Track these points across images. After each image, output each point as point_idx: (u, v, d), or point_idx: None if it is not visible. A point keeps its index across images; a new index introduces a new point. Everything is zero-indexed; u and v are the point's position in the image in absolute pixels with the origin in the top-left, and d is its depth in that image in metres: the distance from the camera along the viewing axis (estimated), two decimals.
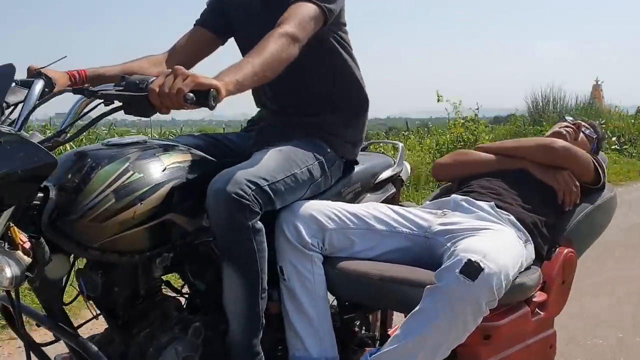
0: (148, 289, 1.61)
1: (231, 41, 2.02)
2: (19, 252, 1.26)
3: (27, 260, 1.27)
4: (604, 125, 10.73)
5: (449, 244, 1.59)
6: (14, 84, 1.57)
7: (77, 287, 1.56)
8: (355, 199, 2.02)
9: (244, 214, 1.51)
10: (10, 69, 1.38)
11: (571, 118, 2.37)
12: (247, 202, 1.51)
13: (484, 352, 1.60)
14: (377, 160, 2.19)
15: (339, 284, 1.72)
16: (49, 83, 1.58)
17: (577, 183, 1.99)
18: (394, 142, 2.51)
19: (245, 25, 1.91)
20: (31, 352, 1.61)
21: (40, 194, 1.39)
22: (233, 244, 1.54)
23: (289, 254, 1.69)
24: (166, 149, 1.62)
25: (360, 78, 1.97)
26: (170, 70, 1.30)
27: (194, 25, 2.01)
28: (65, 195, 1.42)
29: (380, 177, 2.14)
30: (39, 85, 1.53)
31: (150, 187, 1.47)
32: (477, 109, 9.19)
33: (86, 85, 1.68)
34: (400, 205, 2.07)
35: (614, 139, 11.01)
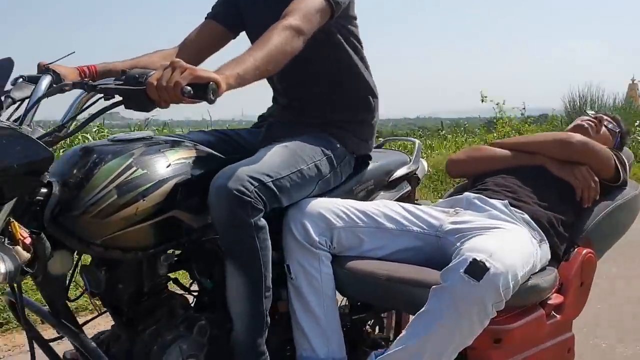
0: (153, 286, 1.60)
1: (244, 35, 2.00)
2: (17, 248, 1.25)
3: (26, 255, 1.26)
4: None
5: (458, 244, 1.54)
6: (21, 79, 1.58)
7: (83, 284, 1.56)
8: (368, 196, 1.98)
9: (246, 211, 1.49)
10: (8, 62, 1.39)
11: (592, 112, 2.29)
12: (249, 199, 1.49)
13: (495, 356, 1.55)
14: (392, 158, 2.14)
15: (347, 283, 1.69)
16: (57, 79, 1.59)
17: (596, 179, 1.92)
18: (410, 139, 2.46)
19: (255, 18, 1.88)
20: (39, 347, 1.63)
21: (43, 190, 1.39)
22: (235, 242, 1.52)
23: (296, 253, 1.67)
24: (172, 145, 1.60)
25: (368, 73, 1.93)
26: (169, 63, 1.29)
27: (205, 18, 1.98)
28: (68, 191, 1.41)
29: (394, 174, 2.10)
30: (45, 81, 1.53)
31: (154, 183, 1.46)
32: (524, 108, 9.10)
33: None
34: (417, 204, 2.03)
35: None
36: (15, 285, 1.41)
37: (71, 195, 1.41)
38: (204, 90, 1.27)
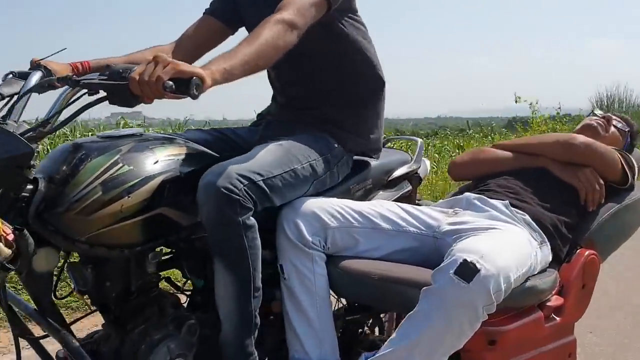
0: (142, 285, 1.57)
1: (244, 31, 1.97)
2: None
3: (6, 252, 1.25)
4: None
5: (454, 245, 1.50)
6: (11, 75, 1.57)
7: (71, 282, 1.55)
8: (366, 196, 1.94)
9: (234, 209, 1.46)
10: None
11: (601, 112, 2.24)
12: (238, 197, 1.46)
13: (489, 358, 1.50)
14: (392, 157, 2.10)
15: (341, 283, 1.65)
16: (48, 75, 1.58)
17: (601, 181, 1.86)
18: (412, 137, 2.41)
19: (254, 14, 1.85)
20: (30, 346, 1.61)
21: (29, 186, 1.37)
22: (223, 240, 1.49)
23: (289, 252, 1.64)
24: (163, 142, 1.58)
25: (374, 64, 1.87)
26: (152, 57, 1.27)
27: (203, 14, 1.96)
28: (54, 188, 1.40)
29: (394, 174, 2.06)
30: (35, 77, 1.52)
31: (140, 180, 1.44)
32: (559, 107, 9.05)
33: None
34: (417, 204, 1.99)
35: None
36: None
37: (56, 192, 1.39)
38: (186, 86, 1.24)
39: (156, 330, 1.54)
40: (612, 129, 2.13)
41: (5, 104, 1.47)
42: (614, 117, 2.18)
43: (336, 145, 1.79)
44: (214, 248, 1.51)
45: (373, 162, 1.97)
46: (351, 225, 1.68)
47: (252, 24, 1.85)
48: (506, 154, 2.02)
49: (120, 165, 1.43)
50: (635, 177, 1.98)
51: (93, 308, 1.62)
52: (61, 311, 1.56)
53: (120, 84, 1.25)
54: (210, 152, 1.67)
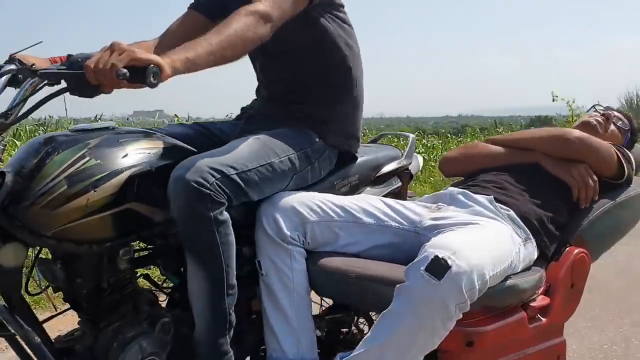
0: (115, 282, 1.54)
1: None
2: None
3: None
4: None
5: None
6: None
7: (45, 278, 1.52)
8: (352, 192, 1.90)
9: (204, 204, 1.42)
10: None
11: (601, 107, 2.16)
12: (209, 191, 1.42)
13: (467, 359, 1.45)
14: (381, 153, 2.06)
15: (320, 282, 1.62)
16: (23, 68, 1.55)
17: (595, 178, 1.80)
18: (404, 133, 2.36)
19: (239, 6, 1.82)
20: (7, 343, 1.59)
21: None
22: (194, 236, 1.45)
23: (268, 248, 1.60)
24: (136, 136, 1.55)
25: (357, 64, 1.84)
26: (109, 45, 1.23)
27: (188, 8, 1.93)
28: (20, 181, 1.37)
29: (383, 170, 2.01)
30: (6, 70, 1.49)
31: (107, 174, 1.40)
32: (594, 105, 8.98)
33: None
34: (409, 199, 1.94)
35: None
36: None
37: (22, 186, 1.36)
38: (142, 74, 1.21)
39: (129, 328, 1.51)
40: (612, 127, 2.06)
41: None
42: (614, 114, 2.11)
43: (317, 140, 1.75)
44: (185, 244, 1.48)
45: (360, 158, 1.92)
46: (331, 220, 1.64)
47: None
48: (499, 149, 1.96)
49: (88, 159, 1.40)
50: (634, 172, 1.91)
51: (67, 306, 1.60)
52: (47, 307, 1.53)
53: (78, 73, 1.23)
54: (187, 146, 1.63)
